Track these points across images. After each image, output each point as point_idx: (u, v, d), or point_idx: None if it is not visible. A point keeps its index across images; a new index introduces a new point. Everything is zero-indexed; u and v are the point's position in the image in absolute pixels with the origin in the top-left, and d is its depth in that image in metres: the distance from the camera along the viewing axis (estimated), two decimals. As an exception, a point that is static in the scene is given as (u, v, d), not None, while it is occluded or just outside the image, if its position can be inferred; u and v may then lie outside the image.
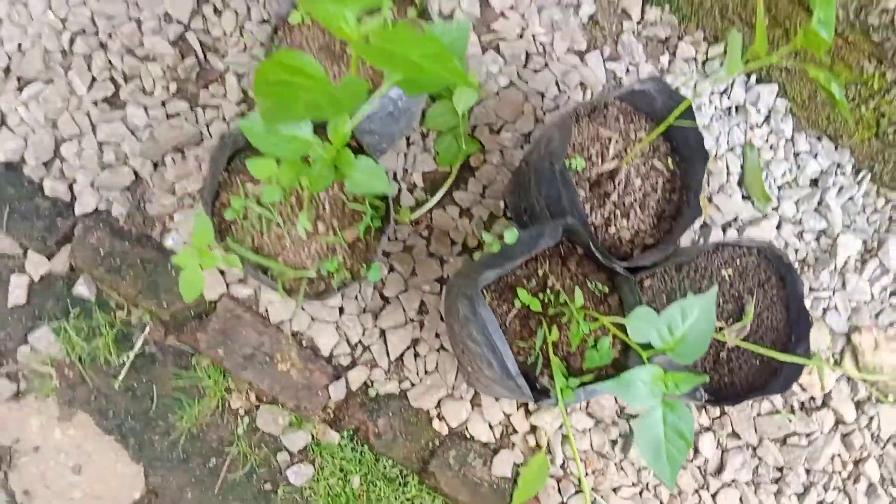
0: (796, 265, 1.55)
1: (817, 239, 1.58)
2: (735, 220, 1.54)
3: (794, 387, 1.50)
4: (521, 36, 1.52)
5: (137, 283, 1.31)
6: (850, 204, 1.60)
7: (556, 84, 1.51)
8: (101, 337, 1.35)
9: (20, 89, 1.35)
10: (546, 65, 1.52)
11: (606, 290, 1.20)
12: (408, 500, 1.38)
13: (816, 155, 1.60)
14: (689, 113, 1.22)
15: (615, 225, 1.25)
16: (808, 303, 1.53)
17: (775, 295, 1.26)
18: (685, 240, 1.51)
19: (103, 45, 1.39)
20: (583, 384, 1.11)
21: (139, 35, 1.39)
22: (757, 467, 1.46)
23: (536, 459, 1.07)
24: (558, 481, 1.39)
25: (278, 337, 1.33)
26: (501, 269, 1.11)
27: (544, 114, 1.50)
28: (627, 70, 1.54)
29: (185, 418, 1.36)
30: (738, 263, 1.25)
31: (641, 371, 0.95)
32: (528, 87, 1.50)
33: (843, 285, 1.55)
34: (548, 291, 1.19)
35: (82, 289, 1.35)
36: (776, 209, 1.57)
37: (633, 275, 1.21)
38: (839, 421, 1.50)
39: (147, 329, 1.36)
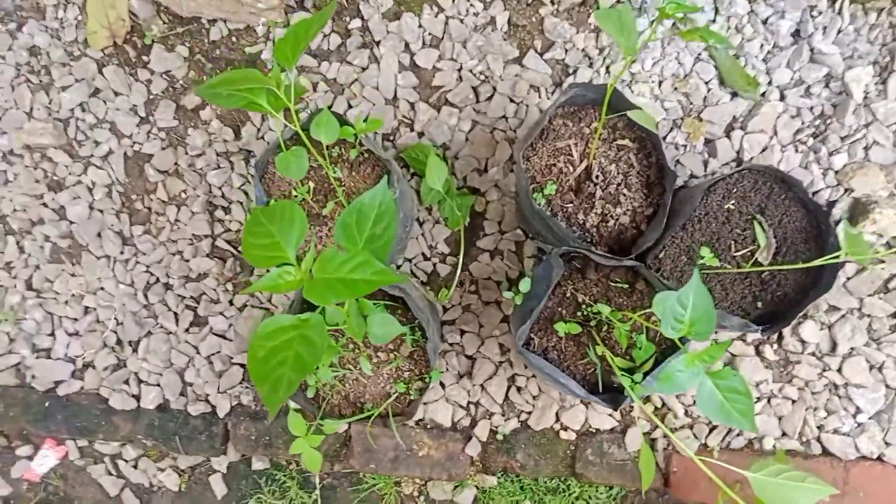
0: (816, 122, 1.53)
1: (826, 86, 1.53)
2: (734, 120, 1.54)
3: (871, 236, 1.49)
4: (460, 78, 1.62)
5: (289, 444, 1.61)
6: (842, 37, 1.53)
7: (510, 99, 1.60)
8: (290, 489, 1.67)
9: (135, 350, 1.69)
10: (494, 89, 1.61)
11: (629, 283, 1.30)
12: (576, 499, 1.58)
13: (783, 13, 1.54)
14: (617, 93, 1.28)
15: (612, 216, 1.34)
16: (844, 153, 1.50)
17: (785, 198, 1.28)
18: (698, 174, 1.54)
19: (168, 286, 1.69)
20: (646, 374, 1.24)
21: (185, 264, 1.67)
22: (869, 325, 1.49)
23: (642, 455, 1.21)
24: (690, 427, 1.52)
25: (407, 433, 1.57)
26: (531, 316, 1.25)
27: (514, 131, 1.59)
28: (566, 50, 1.58)
29: (380, 518, 1.65)
30: (734, 192, 1.29)
31: (675, 362, 1.07)
32: (489, 117, 1.60)
33: (874, 116, 1.50)
34: (583, 307, 1.32)
35: (258, 465, 1.67)
36: (770, 84, 1.54)
37: (646, 257, 1.30)
38: (932, 243, 1.48)
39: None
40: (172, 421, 1.67)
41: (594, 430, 1.54)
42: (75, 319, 1.72)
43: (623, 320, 1.26)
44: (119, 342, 1.70)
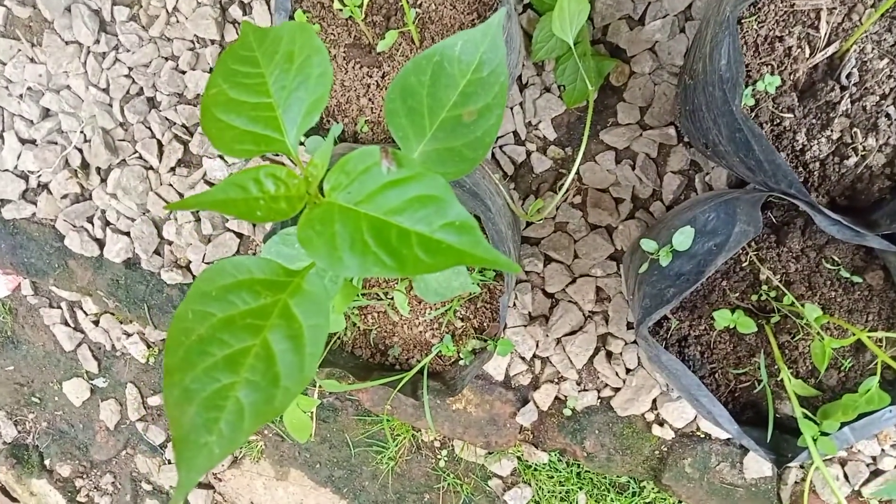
0: None
1: None
2: None
3: None
4: None
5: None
6: None
7: (713, -88, 0.97)
8: (281, 398, 1.30)
9: (104, 181, 1.25)
10: None
11: (856, 269, 0.78)
12: (647, 503, 1.17)
13: None
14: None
15: (857, 149, 0.79)
16: None
17: None
18: None
19: (153, 103, 1.20)
20: (846, 423, 0.75)
21: (180, 77, 1.18)
22: None
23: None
24: (843, 465, 1.06)
25: (443, 376, 1.14)
26: (676, 288, 0.75)
27: (705, -32, 0.99)
28: None
29: (384, 460, 1.27)
30: None
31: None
32: (669, -64, 0.99)
33: None
34: (763, 289, 0.81)
35: (244, 360, 1.28)
36: None
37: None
38: None
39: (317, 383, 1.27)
40: (142, 283, 1.27)
41: (703, 435, 1.09)
42: (31, 122, 1.26)
43: (831, 332, 0.75)
44: (85, 165, 1.25)
